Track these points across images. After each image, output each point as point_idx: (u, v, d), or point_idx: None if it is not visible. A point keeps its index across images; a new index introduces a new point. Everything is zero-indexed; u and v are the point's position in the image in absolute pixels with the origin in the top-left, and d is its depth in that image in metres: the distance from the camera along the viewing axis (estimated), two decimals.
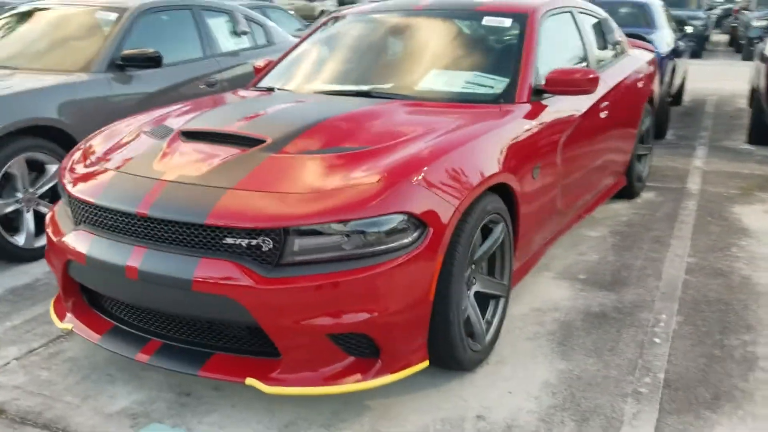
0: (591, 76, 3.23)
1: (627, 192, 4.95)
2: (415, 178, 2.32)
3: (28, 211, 3.88)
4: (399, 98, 3.21)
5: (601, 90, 3.93)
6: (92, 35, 4.64)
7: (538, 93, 3.28)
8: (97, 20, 4.76)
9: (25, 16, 5.05)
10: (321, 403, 2.52)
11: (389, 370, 2.34)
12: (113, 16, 4.71)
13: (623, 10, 7.45)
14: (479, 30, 3.60)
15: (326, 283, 2.19)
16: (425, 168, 2.38)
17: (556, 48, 3.79)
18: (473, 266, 2.70)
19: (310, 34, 4.09)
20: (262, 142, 2.58)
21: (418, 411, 2.49)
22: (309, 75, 3.70)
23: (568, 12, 4.02)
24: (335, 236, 2.21)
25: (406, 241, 2.26)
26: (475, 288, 2.75)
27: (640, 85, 4.69)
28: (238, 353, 2.38)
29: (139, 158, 2.63)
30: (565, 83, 3.21)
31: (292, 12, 15.02)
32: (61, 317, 2.73)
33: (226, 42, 5.53)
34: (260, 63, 4.10)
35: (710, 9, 19.25)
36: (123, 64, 4.44)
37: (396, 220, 2.24)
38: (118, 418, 2.44)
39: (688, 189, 5.33)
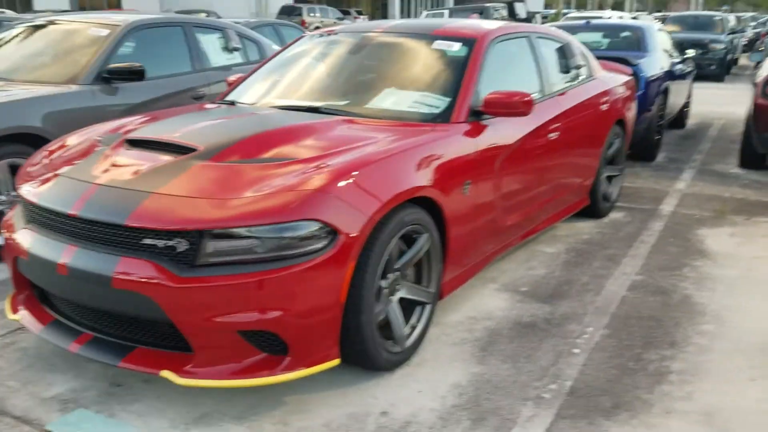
0: (526, 99, 3.38)
1: (593, 211, 5.06)
2: (329, 189, 2.50)
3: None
4: (344, 115, 3.41)
5: (552, 111, 4.08)
6: (84, 50, 4.93)
7: (477, 114, 3.45)
8: (91, 36, 5.05)
9: (27, 31, 5.38)
10: (239, 397, 2.70)
11: (297, 366, 2.51)
12: (105, 32, 5.01)
13: (616, 34, 7.56)
14: (431, 53, 3.78)
15: (237, 283, 2.37)
16: (341, 180, 2.56)
17: (507, 72, 3.96)
18: (397, 273, 2.86)
19: (279, 52, 4.31)
20: (194, 150, 2.79)
21: (329, 406, 2.66)
22: (269, 90, 3.91)
23: (525, 37, 4.19)
24: (248, 240, 2.40)
25: (316, 246, 2.44)
26: (399, 294, 2.92)
27: (605, 107, 4.81)
28: (159, 347, 2.57)
29: (83, 163, 2.86)
30: (500, 105, 3.37)
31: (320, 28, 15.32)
32: (14, 310, 2.95)
33: (217, 57, 5.80)
34: (232, 78, 4.33)
35: (733, 33, 19.10)
36: (109, 77, 4.71)
37: (307, 227, 2.42)
38: (50, 403, 2.65)
39: (660, 210, 5.42)
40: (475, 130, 3.38)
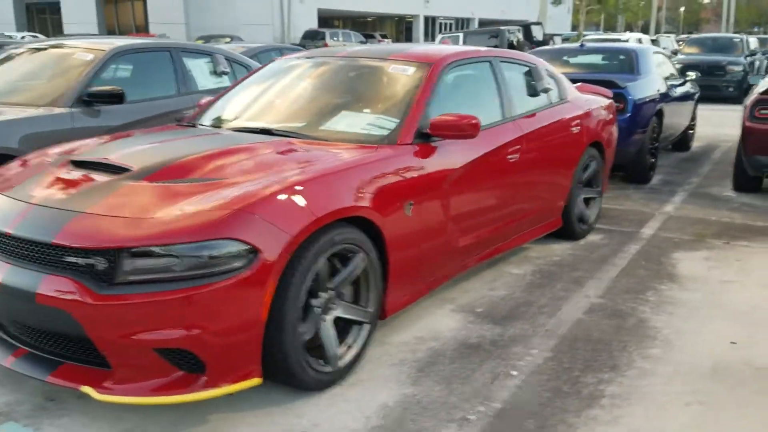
0: (473, 122, 3.41)
1: (567, 233, 5.05)
2: (251, 209, 2.55)
3: None
4: (295, 137, 3.47)
5: (512, 134, 4.09)
6: (69, 73, 5.10)
7: (426, 136, 3.48)
8: (77, 60, 5.22)
9: (18, 55, 5.58)
10: (163, 414, 2.74)
11: (215, 384, 2.55)
12: (90, 56, 5.17)
13: (610, 57, 7.55)
14: (387, 77, 3.84)
15: (153, 301, 2.43)
16: (264, 200, 2.61)
17: (463, 95, 4.01)
18: (331, 292, 2.90)
19: (248, 76, 4.41)
20: (128, 170, 2.87)
21: (252, 425, 2.69)
22: (231, 113, 4.01)
23: (486, 62, 4.22)
24: (166, 258, 2.46)
25: (235, 265, 2.49)
26: (335, 313, 2.95)
27: (576, 130, 4.80)
28: (84, 363, 2.63)
29: (27, 183, 2.96)
30: (446, 128, 3.40)
31: None
32: None
33: (204, 80, 5.94)
34: (204, 100, 4.43)
35: (753, 54, 18.89)
36: (90, 100, 4.86)
37: (225, 246, 2.47)
38: None
39: (641, 233, 5.37)
40: (423, 152, 3.41)
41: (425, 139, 3.48)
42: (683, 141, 9.26)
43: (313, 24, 37.49)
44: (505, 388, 2.97)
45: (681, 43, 21.17)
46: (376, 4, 43.14)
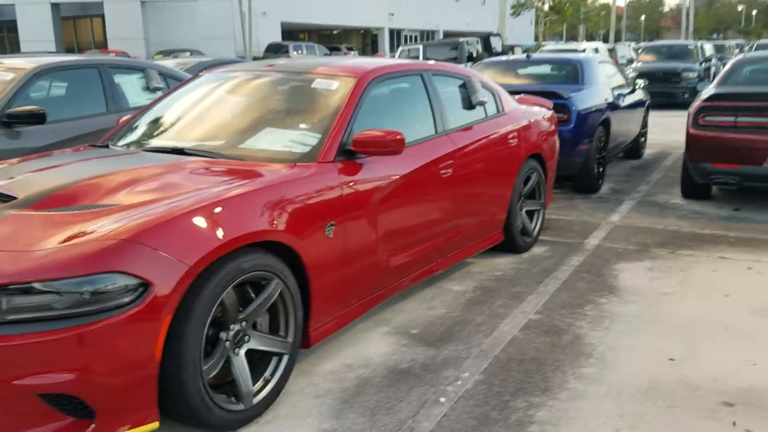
0: (397, 137, 3.28)
1: (511, 247, 4.95)
2: (139, 238, 2.37)
3: None
4: (210, 156, 3.30)
5: (445, 148, 3.98)
6: None
7: (350, 153, 3.35)
8: None
9: None
10: None
11: (107, 430, 2.36)
12: (10, 76, 4.95)
13: (555, 68, 7.51)
14: (311, 92, 3.70)
15: (35, 342, 2.23)
16: (156, 228, 2.43)
17: (391, 110, 3.88)
18: (243, 323, 2.73)
19: (170, 92, 4.23)
20: (14, 198, 2.68)
21: None
22: (146, 131, 3.83)
23: (417, 75, 4.11)
24: (47, 295, 2.26)
25: (122, 301, 2.30)
26: (248, 345, 2.78)
27: (514, 142, 4.71)
28: None
29: None
30: (370, 144, 3.27)
31: None
32: None
33: (136, 97, 5.74)
34: (124, 118, 4.24)
35: (708, 61, 19.18)
36: (9, 121, 4.64)
37: (110, 280, 2.29)
38: None
39: (585, 244, 5.29)
40: (347, 170, 3.27)
41: (349, 156, 3.35)
42: (635, 149, 9.27)
43: (276, 37, 37.34)
44: (430, 417, 2.83)
45: (640, 51, 21.44)
46: (341, 17, 43.20)
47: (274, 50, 32.33)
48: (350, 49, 44.95)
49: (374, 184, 3.40)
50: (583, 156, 6.69)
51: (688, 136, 6.13)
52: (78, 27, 36.48)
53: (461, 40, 20.49)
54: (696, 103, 6.17)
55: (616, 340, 3.54)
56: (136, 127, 3.90)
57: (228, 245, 2.57)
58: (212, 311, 2.52)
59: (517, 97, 5.59)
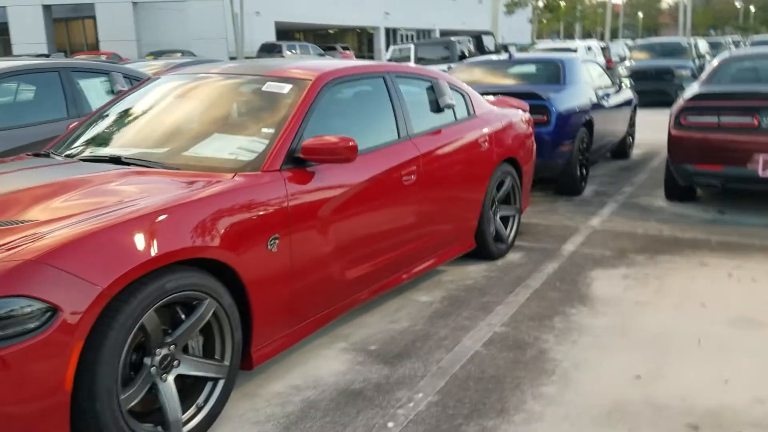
0: (350, 144, 3.11)
1: (484, 254, 4.78)
2: (46, 259, 2.19)
3: None
4: (148, 165, 3.12)
5: (408, 154, 3.81)
6: None
7: (300, 161, 3.17)
8: None
9: None
10: None
11: None
12: None
13: (537, 68, 7.33)
14: (262, 96, 3.53)
15: None
16: (66, 247, 2.24)
17: (349, 114, 3.72)
18: (172, 347, 2.56)
19: (118, 97, 4.06)
20: None
21: None
22: (88, 138, 3.64)
23: (379, 77, 3.93)
24: None
25: (26, 327, 2.12)
26: (177, 371, 2.61)
27: (486, 146, 4.54)
28: None
29: None
30: (320, 151, 3.10)
31: None
32: None
33: (99, 101, 5.55)
34: (74, 124, 4.06)
35: (701, 58, 18.99)
36: None
37: (13, 304, 2.11)
38: None
39: (562, 250, 5.12)
40: (296, 179, 3.10)
41: (299, 164, 3.17)
42: (621, 149, 9.10)
43: (271, 37, 37.13)
44: None
45: (633, 48, 21.26)
46: (337, 16, 43.00)
47: (268, 50, 32.14)
48: (346, 48, 44.67)
49: (326, 194, 3.23)
50: (564, 158, 6.52)
51: (670, 137, 5.95)
52: (70, 29, 36.28)
53: (453, 39, 20.26)
54: (678, 103, 5.99)
55: (581, 356, 3.36)
56: (81, 134, 3.72)
57: (149, 264, 2.39)
58: (130, 336, 2.35)
59: (492, 98, 5.43)
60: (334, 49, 43.38)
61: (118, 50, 28.62)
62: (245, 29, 33.37)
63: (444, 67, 14.19)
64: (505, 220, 5.03)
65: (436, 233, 4.14)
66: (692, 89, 6.24)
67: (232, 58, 30.35)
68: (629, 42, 33.07)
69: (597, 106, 7.28)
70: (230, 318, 2.74)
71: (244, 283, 2.79)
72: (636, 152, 9.71)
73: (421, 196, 3.90)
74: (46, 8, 33.88)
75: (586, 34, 68.26)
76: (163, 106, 3.74)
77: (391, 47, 20.81)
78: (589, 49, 20.77)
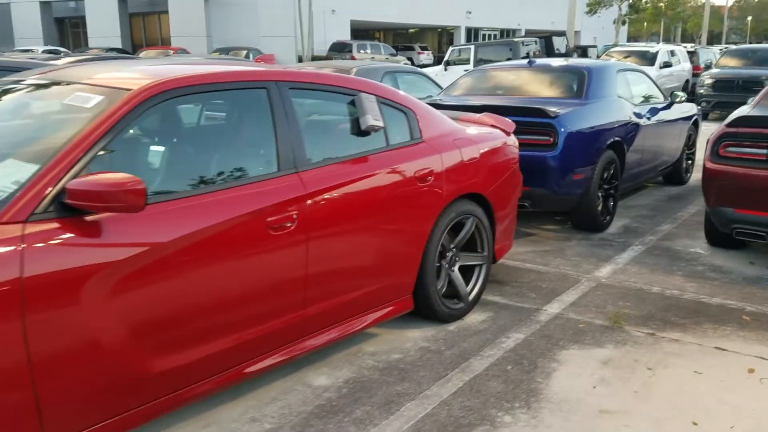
0: (135, 187, 2.18)
1: (429, 316, 3.75)
2: None
3: None
4: None
5: (284, 193, 2.83)
6: None
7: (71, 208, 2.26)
8: None
9: None
10: None
11: None
12: None
13: (555, 77, 6.13)
14: (68, 110, 2.63)
15: None
16: None
17: (196, 140, 2.79)
18: None
19: None
20: None
21: None
22: None
23: (260, 89, 2.95)
24: None
25: None
26: None
27: (430, 179, 3.50)
28: None
29: None
30: (89, 196, 2.17)
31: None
32: None
33: None
34: None
35: None
36: None
37: None
38: None
39: (541, 313, 4.00)
40: (51, 234, 2.17)
41: (74, 213, 2.26)
42: (676, 173, 7.75)
43: (347, 36, 36.56)
44: None
45: (721, 54, 19.24)
46: (416, 15, 42.06)
47: (338, 49, 31.55)
48: (424, 48, 43.67)
49: (110, 255, 2.28)
50: (578, 188, 5.34)
51: (705, 171, 4.69)
52: (147, 23, 36.91)
53: (516, 39, 18.89)
54: (718, 129, 4.71)
55: None
56: None
57: None
58: None
59: (467, 116, 4.37)
60: (411, 48, 42.42)
61: (189, 46, 28.71)
62: (320, 28, 32.93)
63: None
64: (467, 271, 3.97)
65: (336, 297, 3.14)
66: (740, 111, 4.93)
67: (300, 58, 29.94)
68: (714, 48, 30.49)
69: (631, 125, 6.03)
70: None
71: None
72: (697, 176, 8.29)
73: (306, 248, 2.91)
74: (122, 2, 34.54)
75: (688, 38, 64.41)
76: None
77: (450, 48, 19.59)
78: (673, 53, 18.94)
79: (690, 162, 8.12)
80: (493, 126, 4.28)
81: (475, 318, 3.92)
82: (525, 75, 6.30)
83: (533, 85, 6.14)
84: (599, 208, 5.66)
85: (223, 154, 2.79)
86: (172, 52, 25.08)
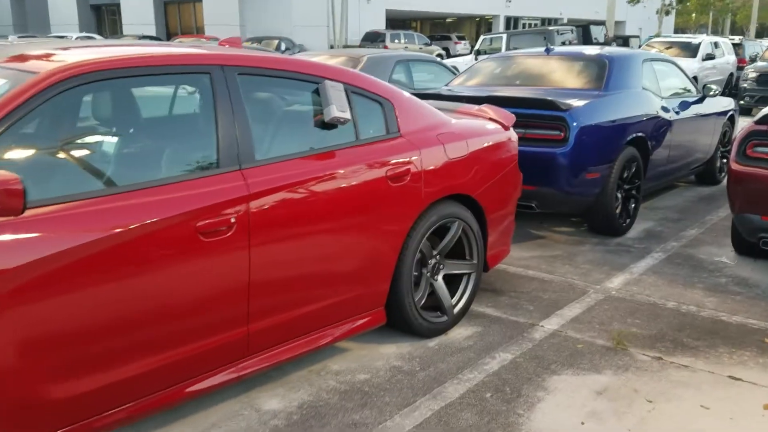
0: (13, 187, 1.86)
1: (406, 330, 3.37)
2: None
3: None
4: None
5: (220, 195, 2.47)
6: None
7: None
8: None
9: None
10: None
11: None
12: None
13: (574, 66, 5.65)
14: None
15: None
16: None
17: (120, 131, 2.45)
18: None
19: None
20: None
21: None
22: None
23: (202, 74, 2.60)
24: None
25: None
26: None
27: (407, 178, 3.11)
28: None
29: None
30: None
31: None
32: None
33: None
34: None
35: None
36: None
37: None
38: None
39: (538, 328, 3.58)
40: None
41: None
42: (709, 172, 7.19)
43: (381, 25, 36.03)
44: None
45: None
46: (453, 4, 41.32)
47: (371, 39, 31.08)
48: (461, 38, 42.87)
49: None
50: (593, 188, 4.88)
51: (730, 173, 4.19)
52: (182, 11, 36.91)
53: (551, 28, 18.22)
54: (745, 126, 4.21)
55: None
56: None
57: None
58: None
59: (464, 107, 3.97)
60: (448, 38, 41.67)
61: (222, 35, 28.53)
62: (354, 17, 32.50)
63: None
64: (453, 280, 3.57)
65: (290, 310, 2.78)
66: None
67: (331, 47, 29.56)
68: (764, 41, 29.14)
69: (657, 120, 5.53)
70: None
71: None
72: None
73: (247, 256, 2.55)
74: None
75: (738, 30, 62.22)
76: None
77: (481, 37, 18.99)
78: (716, 45, 18.05)
79: (724, 160, 7.54)
80: (490, 119, 3.86)
81: (460, 333, 3.52)
82: (541, 64, 5.84)
83: (549, 75, 5.68)
84: (617, 210, 5.19)
85: (147, 149, 2.45)
86: (204, 40, 24.94)
